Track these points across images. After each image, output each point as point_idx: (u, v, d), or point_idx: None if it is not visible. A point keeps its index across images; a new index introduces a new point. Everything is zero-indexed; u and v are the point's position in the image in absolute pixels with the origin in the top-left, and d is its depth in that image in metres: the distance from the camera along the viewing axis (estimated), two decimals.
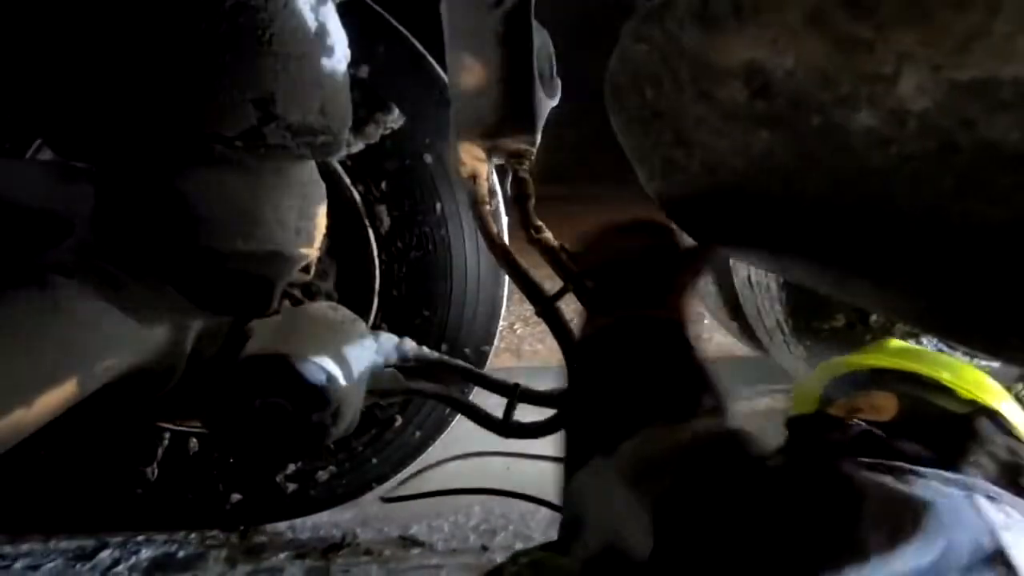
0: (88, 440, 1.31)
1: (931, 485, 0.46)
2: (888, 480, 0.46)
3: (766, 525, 0.43)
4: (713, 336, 3.00)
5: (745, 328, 2.01)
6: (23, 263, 0.81)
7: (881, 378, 0.84)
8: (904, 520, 0.42)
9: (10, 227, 0.89)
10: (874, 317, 1.57)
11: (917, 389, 0.80)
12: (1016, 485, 0.59)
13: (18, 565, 1.39)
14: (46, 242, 0.86)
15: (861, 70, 0.31)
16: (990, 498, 0.47)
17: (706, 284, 2.17)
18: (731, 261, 1.81)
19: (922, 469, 0.49)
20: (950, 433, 0.66)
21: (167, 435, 1.35)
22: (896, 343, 0.95)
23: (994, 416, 0.72)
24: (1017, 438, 0.70)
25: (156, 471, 1.36)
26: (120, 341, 0.87)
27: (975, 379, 0.82)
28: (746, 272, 1.71)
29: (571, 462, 0.54)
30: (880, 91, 0.30)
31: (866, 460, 0.48)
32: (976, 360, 1.58)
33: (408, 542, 1.50)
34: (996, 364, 1.37)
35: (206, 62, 0.72)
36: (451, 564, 1.43)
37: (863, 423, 0.70)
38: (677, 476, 0.46)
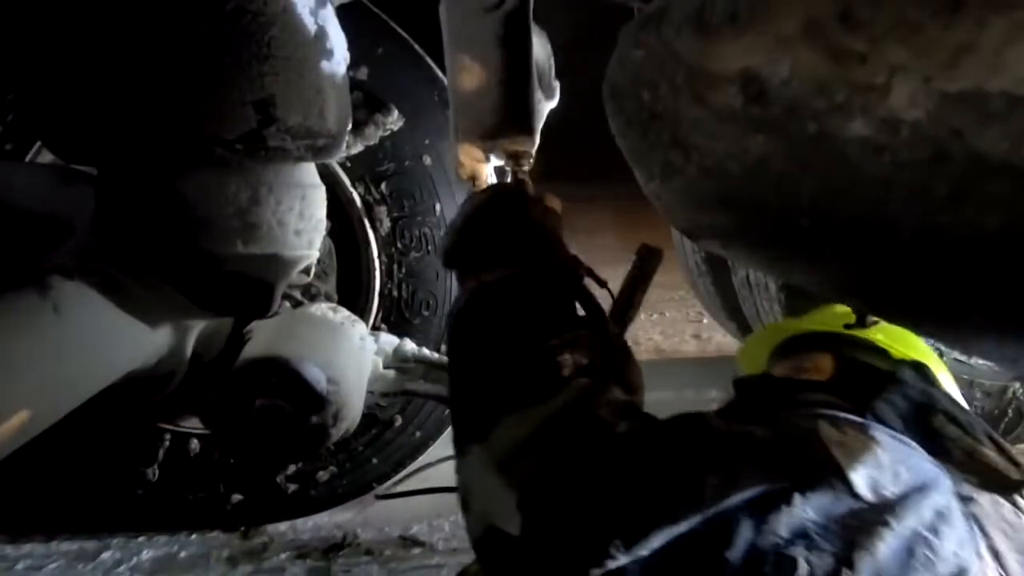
0: (90, 442, 1.32)
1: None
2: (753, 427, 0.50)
3: (612, 480, 0.48)
4: (712, 336, 3.01)
5: (744, 328, 2.01)
6: (23, 266, 0.81)
7: (821, 341, 0.89)
8: (743, 458, 0.47)
9: (10, 230, 0.90)
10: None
11: (853, 350, 0.84)
12: (927, 425, 0.61)
13: (20, 566, 1.39)
14: (46, 245, 0.87)
15: (854, 80, 0.31)
16: (832, 420, 0.50)
17: (705, 284, 2.17)
18: (729, 262, 1.82)
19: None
20: (879, 385, 0.69)
21: (168, 436, 1.36)
22: (839, 309, 0.98)
23: (919, 367, 0.76)
24: (935, 386, 0.73)
25: (157, 472, 1.36)
26: (120, 343, 0.87)
27: (907, 341, 0.86)
28: (744, 272, 1.72)
29: (456, 450, 0.57)
30: (873, 101, 0.31)
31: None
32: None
33: (409, 542, 1.51)
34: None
35: (206, 66, 0.73)
36: (452, 564, 1.43)
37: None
38: (538, 458, 0.50)
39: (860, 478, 0.46)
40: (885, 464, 0.48)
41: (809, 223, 0.38)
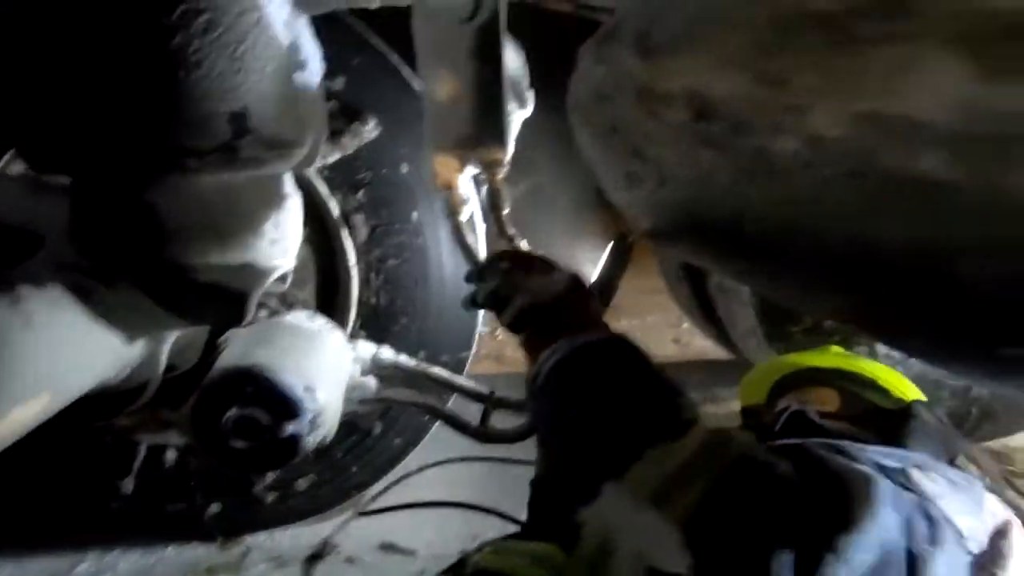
0: (62, 454, 1.30)
1: (872, 459, 0.51)
2: (841, 460, 0.51)
3: (781, 522, 0.46)
4: (692, 340, 3.04)
5: (721, 332, 2.05)
6: None
7: (824, 376, 0.94)
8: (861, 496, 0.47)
9: None
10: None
11: (855, 386, 0.90)
12: (951, 462, 0.66)
13: None
14: (18, 255, 0.86)
15: (781, 101, 0.33)
16: (919, 468, 0.52)
17: (684, 289, 2.21)
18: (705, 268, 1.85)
19: (864, 445, 0.54)
20: (890, 421, 0.73)
21: (143, 447, 1.35)
22: (836, 348, 1.07)
23: (927, 405, 0.81)
24: (946, 425, 0.79)
25: (132, 484, 1.35)
26: (93, 354, 0.87)
27: (903, 382, 0.92)
28: (719, 278, 1.75)
29: (576, 493, 0.56)
30: (799, 120, 0.33)
31: (822, 441, 0.53)
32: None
33: (390, 550, 1.50)
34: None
35: (178, 77, 0.73)
36: (433, 571, 1.43)
37: (803, 408, 0.77)
38: (702, 493, 0.49)
39: (966, 530, 0.48)
40: (976, 510, 0.50)
41: (753, 231, 0.40)
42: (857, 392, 0.88)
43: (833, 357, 0.99)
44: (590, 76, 0.51)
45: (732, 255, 0.49)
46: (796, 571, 0.43)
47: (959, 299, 0.31)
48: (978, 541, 0.50)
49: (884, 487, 0.47)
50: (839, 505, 0.46)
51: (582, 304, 0.70)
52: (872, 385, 0.89)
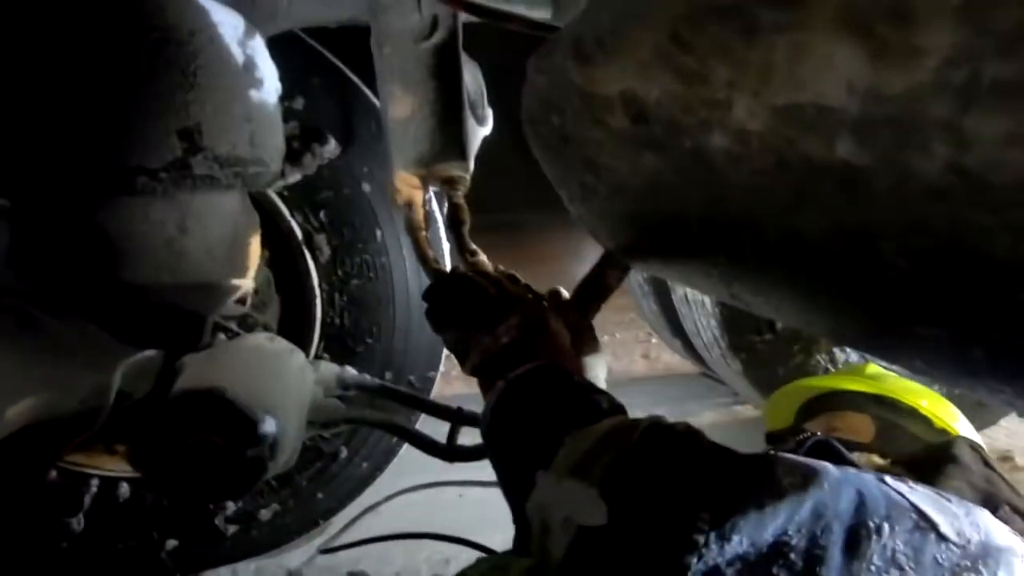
0: (4, 491, 1.23)
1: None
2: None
3: (692, 477, 0.49)
4: (661, 356, 3.08)
5: (687, 345, 2.08)
6: None
7: (857, 400, 0.87)
8: (800, 474, 0.48)
9: None
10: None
11: (892, 414, 0.83)
12: (992, 513, 0.60)
13: None
14: None
15: (704, 97, 0.34)
16: (896, 478, 0.52)
17: (649, 304, 2.24)
18: (668, 281, 1.88)
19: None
20: (929, 457, 0.69)
21: (95, 481, 1.28)
22: (872, 368, 0.98)
23: (973, 446, 0.75)
24: (993, 469, 0.73)
25: (82, 521, 1.28)
26: (37, 383, 0.83)
27: (948, 410, 0.85)
28: (683, 290, 1.78)
29: (519, 489, 0.60)
30: (723, 115, 0.34)
31: None
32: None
33: None
34: None
35: (128, 95, 0.72)
36: None
37: (831, 438, 0.72)
38: (615, 455, 0.52)
39: (942, 519, 0.47)
40: (960, 515, 0.49)
41: (700, 231, 0.41)
42: (894, 421, 0.82)
43: (868, 379, 0.91)
44: (536, 88, 0.52)
45: (686, 260, 0.50)
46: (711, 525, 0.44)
47: (880, 281, 0.32)
48: (964, 538, 0.48)
49: (828, 467, 0.48)
50: (756, 468, 0.48)
51: (530, 343, 0.74)
52: (912, 413, 0.82)
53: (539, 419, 0.63)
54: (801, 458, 0.51)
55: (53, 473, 1.24)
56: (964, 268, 0.29)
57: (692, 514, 0.45)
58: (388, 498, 1.61)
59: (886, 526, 0.46)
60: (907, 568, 0.45)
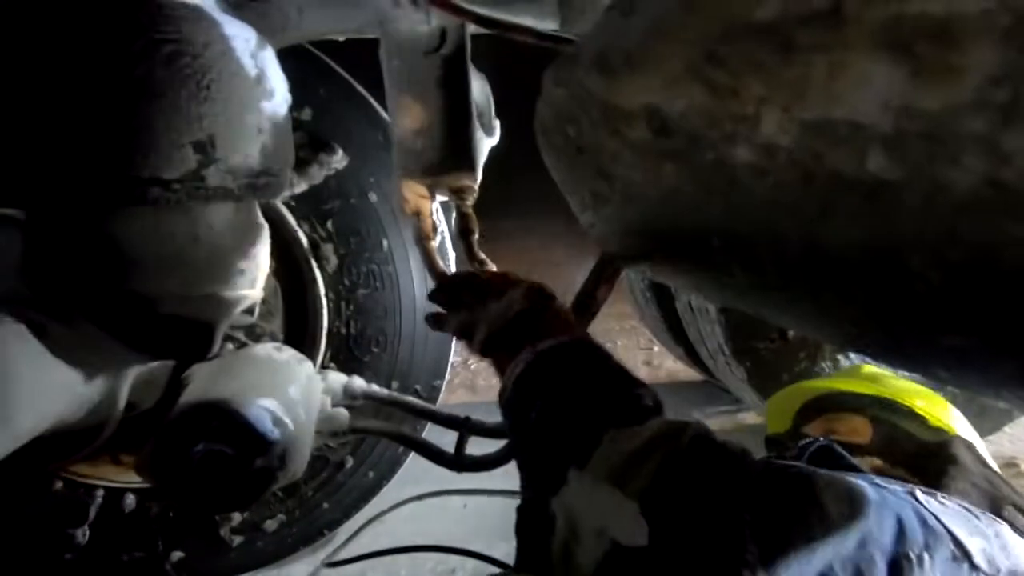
0: (11, 501, 1.22)
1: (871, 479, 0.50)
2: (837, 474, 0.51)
3: (740, 503, 0.47)
4: (663, 363, 3.08)
5: (690, 352, 2.08)
6: None
7: (855, 402, 0.87)
8: (846, 501, 0.47)
9: None
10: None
11: (890, 414, 0.83)
12: (996, 513, 0.61)
13: None
14: None
15: (733, 112, 0.35)
16: (925, 492, 0.52)
17: (651, 311, 2.24)
18: (672, 288, 1.88)
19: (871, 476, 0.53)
20: (929, 458, 0.69)
21: (100, 492, 1.28)
22: (868, 369, 0.98)
23: (968, 446, 0.76)
24: (990, 468, 0.73)
25: (87, 533, 1.27)
26: (47, 393, 0.83)
27: (944, 409, 0.85)
28: (686, 298, 1.78)
29: (544, 480, 0.56)
30: (750, 129, 0.35)
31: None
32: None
33: None
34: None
35: (142, 107, 0.72)
36: None
37: (832, 441, 0.73)
38: (657, 466, 0.50)
39: (975, 547, 0.47)
40: (990, 536, 0.49)
41: (719, 243, 0.41)
42: (892, 421, 0.81)
43: (865, 380, 0.91)
44: (552, 100, 0.52)
45: (700, 269, 0.50)
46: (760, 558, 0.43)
47: (906, 292, 0.33)
48: (995, 567, 0.48)
49: (869, 492, 0.48)
50: (804, 495, 0.47)
51: (542, 315, 0.70)
52: (909, 413, 0.82)
53: (574, 407, 0.58)
54: (839, 475, 0.50)
55: (59, 484, 1.23)
56: (997, 279, 0.29)
57: (740, 547, 0.44)
58: (392, 508, 1.61)
59: (926, 556, 0.46)
60: None
